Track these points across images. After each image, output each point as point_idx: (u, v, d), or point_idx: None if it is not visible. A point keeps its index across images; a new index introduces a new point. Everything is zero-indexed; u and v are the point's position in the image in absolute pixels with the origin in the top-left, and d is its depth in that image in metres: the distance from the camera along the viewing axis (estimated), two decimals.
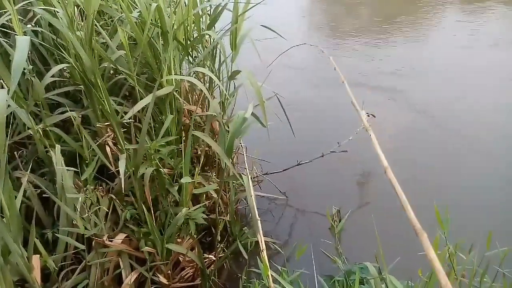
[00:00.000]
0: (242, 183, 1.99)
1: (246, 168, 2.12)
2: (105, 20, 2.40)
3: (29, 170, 1.90)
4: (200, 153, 2.27)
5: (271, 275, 1.41)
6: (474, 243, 1.41)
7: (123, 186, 1.72)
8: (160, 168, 1.94)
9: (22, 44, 1.59)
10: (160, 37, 2.03)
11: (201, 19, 2.36)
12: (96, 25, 1.94)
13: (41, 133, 1.90)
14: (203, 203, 2.06)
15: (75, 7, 1.95)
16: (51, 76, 1.95)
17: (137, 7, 2.15)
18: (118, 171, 1.85)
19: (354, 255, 2.18)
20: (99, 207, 1.85)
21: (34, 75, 1.88)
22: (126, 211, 1.92)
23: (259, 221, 1.62)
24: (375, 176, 2.97)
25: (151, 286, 1.85)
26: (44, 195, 1.90)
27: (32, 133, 1.90)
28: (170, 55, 2.03)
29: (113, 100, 2.04)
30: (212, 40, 2.39)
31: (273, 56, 2.65)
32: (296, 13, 7.40)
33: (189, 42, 2.26)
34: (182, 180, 1.87)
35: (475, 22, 6.37)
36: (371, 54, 5.17)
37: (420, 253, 1.41)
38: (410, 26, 6.23)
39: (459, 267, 1.36)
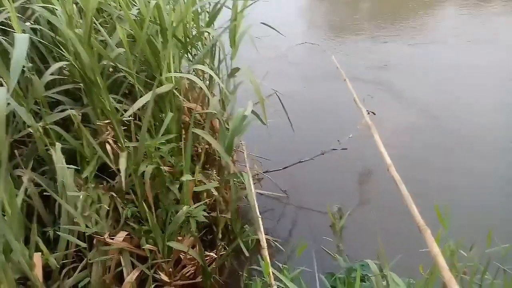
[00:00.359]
0: (243, 180, 1.99)
1: (246, 166, 2.11)
2: (104, 17, 2.39)
3: (29, 168, 1.91)
4: (200, 151, 2.26)
5: (272, 273, 1.41)
6: (475, 242, 1.41)
7: (123, 184, 1.72)
8: (161, 166, 1.94)
9: (21, 42, 1.58)
10: (159, 35, 2.02)
11: (200, 16, 2.36)
12: (95, 22, 1.94)
13: (41, 131, 1.90)
14: (204, 201, 2.06)
15: (74, 4, 1.94)
16: (51, 74, 1.95)
17: (136, 4, 2.14)
18: (118, 169, 1.85)
19: (355, 252, 2.18)
20: (100, 205, 1.85)
21: (34, 73, 1.87)
22: (127, 209, 1.92)
23: (260, 219, 1.62)
24: (376, 174, 2.97)
25: (152, 284, 1.85)
26: (45, 193, 1.90)
27: (32, 131, 1.89)
28: (170, 52, 2.02)
29: (112, 98, 2.04)
30: (211, 38, 2.38)
31: (272, 54, 2.64)
32: (295, 11, 7.39)
33: (188, 40, 2.25)
34: (183, 178, 1.87)
35: (476, 20, 6.36)
36: (371, 53, 5.16)
37: (421, 250, 1.42)
38: (410, 24, 6.22)
39: (460, 264, 1.37)
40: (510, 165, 3.02)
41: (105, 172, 2.05)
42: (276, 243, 2.28)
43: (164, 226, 1.94)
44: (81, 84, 2.03)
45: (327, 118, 3.77)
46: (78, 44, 1.79)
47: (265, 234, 1.64)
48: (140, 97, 1.92)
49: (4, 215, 1.50)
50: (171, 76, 2.02)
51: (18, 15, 1.92)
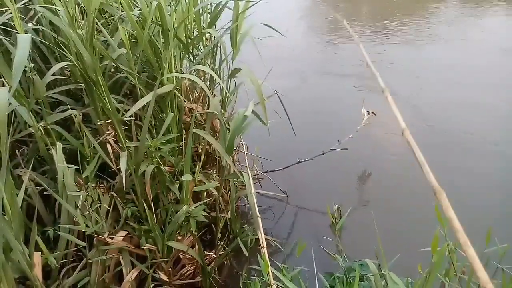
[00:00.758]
0: (243, 180, 1.99)
1: (246, 166, 2.12)
2: (106, 18, 2.40)
3: (30, 168, 1.91)
4: (200, 151, 2.27)
5: (272, 272, 1.42)
6: (473, 241, 1.41)
7: (124, 184, 1.73)
8: (161, 166, 1.94)
9: (24, 43, 1.59)
10: (161, 35, 2.03)
11: (201, 17, 2.37)
12: (97, 23, 1.95)
13: (42, 131, 1.91)
14: (204, 201, 2.07)
15: (76, 5, 1.96)
16: (52, 74, 1.96)
17: (137, 5, 2.15)
18: (119, 169, 1.86)
19: (354, 252, 2.19)
20: (100, 205, 1.86)
21: (36, 73, 1.88)
22: (127, 209, 1.93)
23: (259, 219, 1.63)
24: (376, 174, 2.98)
25: (151, 283, 1.86)
26: (45, 193, 1.90)
27: (33, 131, 1.90)
28: (171, 53, 2.03)
29: (114, 98, 2.05)
30: (212, 38, 2.39)
31: (272, 54, 2.65)
32: (296, 11, 7.41)
33: (189, 40, 2.26)
34: (183, 178, 1.88)
35: (478, 20, 6.37)
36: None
37: (420, 250, 1.43)
38: (411, 24, 6.23)
39: (458, 263, 1.37)
40: (509, 165, 3.02)
41: (105, 172, 2.06)
42: (275, 242, 2.29)
43: (164, 225, 1.95)
44: (82, 85, 2.04)
45: (328, 118, 3.78)
46: (80, 44, 1.80)
47: (264, 234, 1.65)
48: (141, 97, 1.93)
49: (4, 215, 1.51)
50: (172, 77, 2.03)
51: (20, 15, 1.93)
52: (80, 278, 1.79)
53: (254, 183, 2.02)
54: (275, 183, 2.79)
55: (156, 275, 1.87)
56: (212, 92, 2.40)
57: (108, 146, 1.97)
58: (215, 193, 2.15)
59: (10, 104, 1.73)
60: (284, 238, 2.47)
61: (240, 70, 2.22)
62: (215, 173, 2.27)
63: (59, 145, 1.87)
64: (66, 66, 2.13)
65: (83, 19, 2.06)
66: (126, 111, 1.97)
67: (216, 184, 2.11)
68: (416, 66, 4.78)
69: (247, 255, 1.94)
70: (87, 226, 1.77)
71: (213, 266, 2.05)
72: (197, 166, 2.02)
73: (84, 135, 1.90)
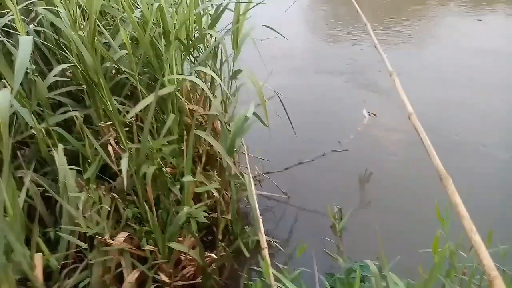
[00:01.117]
0: (244, 182, 2.00)
1: (247, 167, 2.12)
2: (107, 20, 2.41)
3: (32, 169, 1.92)
4: (201, 152, 2.28)
5: (272, 273, 1.42)
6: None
7: (125, 185, 1.73)
8: (162, 167, 1.95)
9: (25, 44, 1.60)
10: (162, 37, 2.04)
11: (202, 19, 2.37)
12: (98, 25, 1.96)
13: (43, 132, 1.92)
14: (205, 202, 2.07)
15: (77, 7, 1.96)
16: (53, 76, 1.96)
17: (138, 7, 2.16)
18: (120, 170, 1.86)
19: (355, 253, 2.18)
20: (101, 206, 1.86)
21: (37, 74, 1.89)
22: (128, 210, 1.93)
23: (260, 220, 1.63)
24: (377, 175, 2.98)
25: (152, 285, 1.86)
26: (46, 194, 1.91)
27: (35, 133, 1.91)
28: (172, 54, 2.04)
29: (115, 99, 2.05)
30: (213, 40, 2.40)
31: (273, 55, 2.65)
32: (297, 12, 7.41)
33: (190, 42, 2.27)
34: (184, 179, 1.88)
35: (478, 22, 6.37)
36: (370, 55, 5.18)
37: (421, 251, 1.43)
38: (411, 27, 6.23)
39: (459, 264, 1.37)
40: (510, 166, 3.02)
41: (106, 173, 2.06)
42: (276, 243, 2.29)
43: (165, 227, 1.95)
44: (83, 86, 2.04)
45: (328, 118, 3.78)
46: (82, 46, 1.80)
47: (265, 235, 1.65)
48: (142, 99, 1.93)
49: (6, 216, 1.51)
50: (174, 78, 2.03)
51: (22, 17, 1.94)
52: (81, 279, 1.79)
53: (255, 184, 2.02)
54: (276, 184, 2.79)
55: (157, 276, 1.87)
56: (213, 94, 2.41)
57: (109, 148, 1.97)
58: (216, 194, 2.16)
59: (12, 105, 1.73)
60: (285, 239, 2.47)
61: (241, 72, 2.23)
62: (216, 175, 2.28)
63: (60, 146, 1.87)
64: (67, 68, 2.13)
65: (84, 21, 2.07)
66: (127, 112, 1.98)
67: (217, 186, 2.11)
68: (410, 65, 4.78)
69: (248, 256, 1.94)
70: (88, 227, 1.77)
71: (213, 267, 2.05)
72: (198, 168, 2.02)
73: (86, 137, 1.90)
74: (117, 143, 2.02)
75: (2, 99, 1.55)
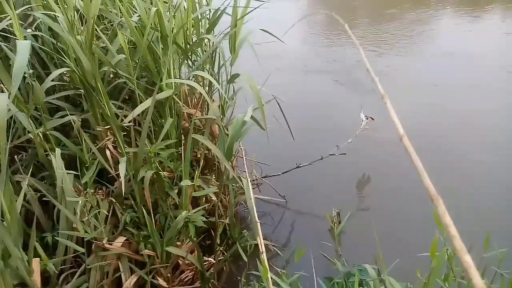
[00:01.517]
0: (242, 186, 2.00)
1: (245, 171, 2.12)
2: (105, 24, 2.41)
3: (29, 173, 1.91)
4: (199, 156, 2.28)
5: (271, 278, 1.41)
6: (472, 246, 1.42)
7: (123, 189, 1.73)
8: (160, 171, 1.94)
9: (23, 49, 1.60)
10: (160, 41, 2.04)
11: (200, 23, 2.38)
12: (96, 29, 1.96)
13: (41, 136, 1.91)
14: (203, 206, 2.07)
15: (75, 11, 1.96)
16: (51, 80, 1.96)
17: (136, 11, 2.16)
18: (118, 175, 1.86)
19: (353, 257, 2.18)
20: (99, 211, 1.86)
21: (35, 79, 1.89)
22: (126, 214, 1.93)
23: (258, 224, 1.62)
24: (374, 178, 2.98)
25: None
26: (44, 199, 1.90)
27: (32, 137, 1.90)
28: (170, 59, 2.04)
29: (113, 103, 2.05)
30: (211, 44, 2.40)
31: (271, 59, 2.66)
32: (295, 16, 7.44)
33: (188, 46, 2.27)
34: (182, 183, 1.88)
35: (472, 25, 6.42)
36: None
37: (420, 255, 1.43)
38: (409, 33, 6.26)
39: (457, 268, 1.37)
40: (509, 170, 3.03)
41: (104, 177, 2.06)
42: (274, 248, 2.29)
43: (163, 231, 1.95)
44: (81, 90, 2.04)
45: (326, 122, 3.79)
46: (80, 50, 1.80)
47: (263, 239, 1.64)
48: (140, 103, 1.93)
49: (3, 221, 1.51)
50: (171, 82, 2.03)
51: (20, 21, 1.94)
52: (79, 284, 1.79)
53: (253, 188, 2.02)
54: (274, 188, 2.79)
55: (155, 281, 1.87)
56: (211, 97, 2.41)
57: (107, 152, 1.97)
58: (214, 198, 2.15)
59: (9, 110, 1.73)
60: (283, 243, 2.47)
61: (238, 76, 2.23)
62: (214, 179, 2.28)
63: (58, 150, 1.87)
64: (65, 72, 2.13)
65: (82, 25, 2.07)
66: (125, 116, 1.98)
67: (215, 189, 2.11)
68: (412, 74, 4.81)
69: (246, 260, 1.93)
70: (86, 232, 1.77)
71: (212, 271, 2.05)
72: (196, 172, 2.02)
73: (83, 141, 1.90)
74: (114, 147, 2.02)
75: (0, 104, 1.54)
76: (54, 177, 1.83)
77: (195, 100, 2.48)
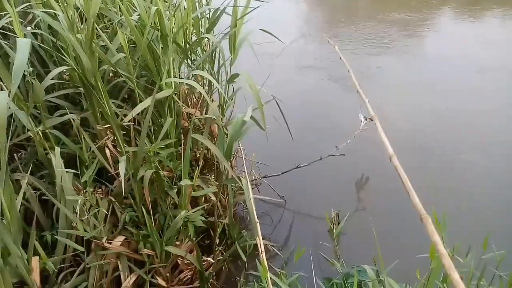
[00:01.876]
0: (241, 185, 2.00)
1: (244, 171, 2.12)
2: (104, 22, 2.41)
3: (28, 172, 1.91)
4: (199, 156, 2.28)
5: (270, 278, 1.42)
6: (471, 248, 1.43)
7: (123, 188, 1.73)
8: (160, 170, 1.94)
9: (23, 47, 1.60)
10: (160, 40, 2.04)
11: (200, 22, 2.38)
12: (96, 28, 1.95)
13: (40, 135, 1.91)
14: (202, 206, 2.07)
15: (75, 10, 1.96)
16: (51, 79, 1.95)
17: (136, 10, 2.16)
18: (117, 174, 1.85)
19: (352, 258, 2.19)
20: (98, 210, 1.85)
21: (35, 77, 1.88)
22: (125, 214, 1.93)
23: (258, 224, 1.63)
24: (373, 179, 2.99)
25: None
26: (43, 197, 1.90)
27: (31, 135, 1.90)
28: (170, 58, 2.04)
29: (112, 102, 2.05)
30: (211, 44, 2.40)
31: (270, 59, 2.66)
32: (294, 16, 7.44)
33: (188, 46, 2.27)
34: (182, 183, 1.88)
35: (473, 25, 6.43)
36: (366, 60, 5.21)
37: (419, 256, 1.43)
38: (408, 34, 6.27)
39: (456, 269, 1.38)
40: (507, 171, 3.04)
41: (103, 176, 2.06)
42: (273, 248, 2.29)
43: (162, 231, 1.95)
44: (81, 89, 2.04)
45: (325, 122, 3.79)
46: (80, 48, 1.80)
47: (262, 239, 1.65)
48: (139, 102, 1.93)
49: (2, 219, 1.51)
50: (171, 82, 2.03)
51: (20, 19, 1.93)
52: (78, 283, 1.79)
53: (252, 188, 2.02)
54: (273, 189, 2.80)
55: (154, 281, 1.87)
56: (211, 97, 2.41)
57: (107, 151, 1.97)
58: (213, 198, 2.15)
59: (9, 108, 1.72)
60: (282, 244, 2.47)
61: (238, 76, 2.23)
62: (213, 178, 2.28)
63: (57, 149, 1.86)
64: (64, 71, 2.13)
65: (81, 24, 2.06)
66: (125, 115, 1.97)
67: (214, 189, 2.11)
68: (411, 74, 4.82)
69: (245, 260, 1.94)
70: (85, 231, 1.77)
71: (211, 271, 2.05)
72: (196, 171, 2.02)
73: (83, 139, 1.90)
74: (114, 146, 2.02)
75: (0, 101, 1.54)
76: (54, 176, 1.83)
77: (195, 99, 2.48)
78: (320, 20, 7.62)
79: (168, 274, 1.91)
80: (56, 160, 1.83)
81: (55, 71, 1.92)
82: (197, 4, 2.34)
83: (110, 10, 2.23)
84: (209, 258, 2.03)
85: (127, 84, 2.14)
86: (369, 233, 1.66)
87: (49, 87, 2.06)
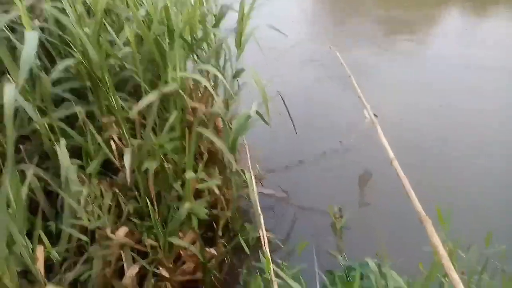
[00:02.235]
0: (245, 179, 2.01)
1: (249, 165, 2.14)
2: (111, 17, 2.43)
3: (34, 163, 1.93)
4: (203, 150, 2.29)
5: (273, 269, 1.43)
6: (472, 244, 1.43)
7: (128, 179, 1.74)
8: (164, 162, 1.96)
9: (31, 39, 1.62)
10: (166, 35, 2.06)
11: (206, 18, 2.39)
12: (103, 22, 1.97)
13: (46, 127, 1.93)
14: (205, 198, 2.08)
15: (82, 4, 1.98)
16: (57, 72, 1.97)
17: (143, 4, 2.18)
18: (122, 166, 1.87)
19: (355, 252, 2.19)
20: (103, 201, 1.87)
21: (42, 70, 1.90)
22: (129, 205, 1.94)
23: (261, 215, 1.64)
24: (377, 175, 2.98)
25: (152, 279, 1.86)
26: (48, 189, 1.92)
27: (38, 127, 1.92)
28: (176, 53, 2.05)
29: (118, 96, 2.06)
30: (217, 39, 2.42)
31: (276, 55, 2.67)
32: (299, 13, 7.44)
33: (194, 41, 2.29)
34: (186, 175, 1.89)
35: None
36: (369, 57, 5.21)
37: (422, 250, 1.43)
38: (412, 31, 6.25)
39: (458, 264, 1.38)
40: (507, 171, 3.03)
41: (108, 169, 2.07)
42: (276, 241, 2.29)
43: (166, 223, 1.96)
44: (87, 82, 2.06)
45: (330, 119, 3.78)
46: (87, 42, 1.82)
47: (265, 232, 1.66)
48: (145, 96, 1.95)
49: (8, 209, 1.52)
50: (177, 76, 2.05)
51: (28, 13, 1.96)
52: (81, 272, 1.80)
53: (255, 183, 2.03)
54: (276, 183, 2.80)
55: (157, 271, 1.88)
56: (216, 92, 2.42)
57: (112, 143, 1.98)
58: (216, 191, 2.17)
59: (15, 100, 1.74)
60: (285, 237, 2.47)
61: (244, 71, 2.25)
62: (217, 172, 2.29)
63: (62, 140, 1.88)
64: (71, 65, 2.15)
65: (88, 18, 2.08)
66: (131, 109, 1.99)
67: (218, 182, 2.12)
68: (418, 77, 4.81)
69: (248, 252, 1.94)
70: (89, 221, 1.78)
71: (213, 263, 2.06)
72: (200, 165, 2.03)
73: (88, 131, 1.92)
74: (119, 139, 2.04)
75: (7, 93, 1.56)
76: (58, 168, 1.85)
77: (200, 94, 2.49)
78: (322, 14, 7.60)
79: (171, 265, 1.92)
80: (62, 151, 1.85)
81: (63, 63, 1.94)
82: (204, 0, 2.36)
83: (117, 5, 2.25)
84: (211, 249, 2.04)
85: (133, 78, 2.16)
86: (371, 229, 1.67)
87: (55, 81, 2.09)
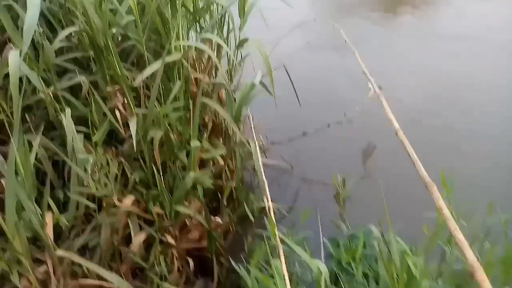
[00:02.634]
0: (249, 148, 2.02)
1: (253, 136, 2.14)
2: None
3: (40, 133, 1.93)
4: (207, 121, 2.29)
5: (278, 235, 1.45)
6: (475, 214, 1.44)
7: (135, 146, 1.75)
8: (170, 132, 1.96)
9: (33, 6, 1.60)
10: (169, 4, 2.03)
11: None
12: None
13: (51, 96, 1.93)
14: (210, 169, 2.10)
15: None
16: (60, 41, 1.95)
17: None
18: (128, 136, 1.88)
19: (358, 221, 2.21)
20: (109, 169, 1.88)
21: (45, 37, 1.89)
22: (135, 173, 1.96)
23: (266, 183, 1.65)
24: (381, 146, 2.98)
25: (159, 246, 1.90)
26: (54, 158, 1.93)
27: (43, 96, 1.92)
28: (179, 22, 2.03)
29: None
30: (219, 9, 2.38)
31: (280, 26, 2.63)
32: None
33: (197, 10, 2.25)
34: (191, 144, 1.90)
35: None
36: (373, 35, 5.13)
37: (426, 216, 1.44)
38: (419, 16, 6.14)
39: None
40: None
41: (113, 139, 2.08)
42: (280, 210, 2.32)
43: (171, 192, 1.98)
44: (90, 52, 2.04)
45: (334, 91, 3.74)
46: (91, 8, 1.79)
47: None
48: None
49: (17, 175, 1.54)
50: (180, 45, 2.03)
51: None
52: (89, 239, 1.83)
53: (259, 153, 2.04)
54: (280, 155, 2.81)
55: (163, 239, 1.91)
56: (219, 63, 2.40)
57: (117, 112, 1.99)
58: (221, 162, 2.18)
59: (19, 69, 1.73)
60: (289, 208, 2.50)
61: (247, 40, 2.22)
62: (222, 143, 2.30)
63: (68, 110, 1.88)
64: (73, 34, 2.13)
65: None
66: (134, 79, 1.98)
67: (223, 152, 2.13)
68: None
69: (253, 220, 1.97)
70: (96, 189, 1.80)
71: (218, 231, 2.09)
72: (205, 134, 2.04)
73: (93, 101, 1.92)
74: (124, 109, 2.03)
75: (12, 59, 1.55)
76: (64, 138, 1.85)
77: (203, 65, 2.47)
78: None
79: (177, 233, 1.96)
80: (67, 120, 1.85)
81: (65, 32, 1.92)
82: None
83: None
84: (217, 217, 2.07)
85: (136, 48, 2.14)
86: (375, 199, 1.67)
87: (57, 52, 2.07)
